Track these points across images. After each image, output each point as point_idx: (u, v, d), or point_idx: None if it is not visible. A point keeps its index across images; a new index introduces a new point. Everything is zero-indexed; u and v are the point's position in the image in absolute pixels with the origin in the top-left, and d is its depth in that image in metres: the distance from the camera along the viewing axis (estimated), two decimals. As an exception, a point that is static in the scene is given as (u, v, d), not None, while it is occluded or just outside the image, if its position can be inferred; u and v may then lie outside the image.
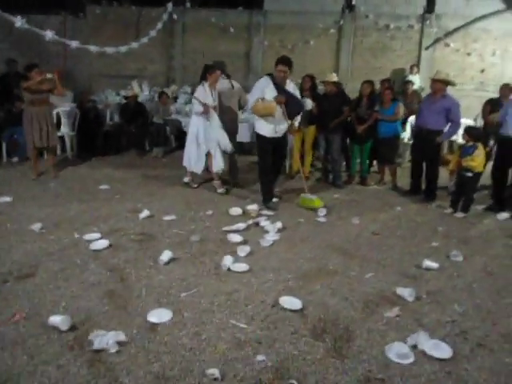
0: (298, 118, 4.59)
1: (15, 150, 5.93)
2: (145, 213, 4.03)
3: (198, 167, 4.94)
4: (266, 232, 3.74)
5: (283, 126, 4.36)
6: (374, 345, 2.22)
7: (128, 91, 7.47)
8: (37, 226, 3.62)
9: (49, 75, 4.61)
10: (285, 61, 4.19)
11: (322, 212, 4.32)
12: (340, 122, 5.49)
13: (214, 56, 8.76)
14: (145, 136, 7.10)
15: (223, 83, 5.11)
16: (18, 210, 4.07)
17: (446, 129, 4.82)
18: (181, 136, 6.90)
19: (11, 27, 5.63)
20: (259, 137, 4.39)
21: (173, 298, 2.59)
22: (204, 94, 4.73)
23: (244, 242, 3.49)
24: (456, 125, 4.71)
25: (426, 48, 8.55)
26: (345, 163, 6.22)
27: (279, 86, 4.21)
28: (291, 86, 4.39)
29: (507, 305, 2.71)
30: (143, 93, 7.93)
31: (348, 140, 6.02)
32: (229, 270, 2.98)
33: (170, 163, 6.36)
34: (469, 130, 4.47)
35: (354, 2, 8.60)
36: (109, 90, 8.16)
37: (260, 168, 4.52)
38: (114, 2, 8.64)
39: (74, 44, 5.09)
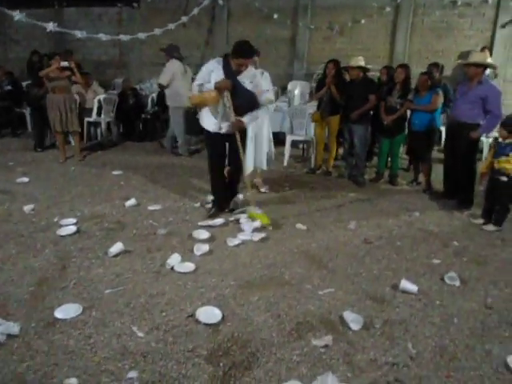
0: (249, 118, 3.57)
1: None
2: (131, 201, 4.02)
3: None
4: (241, 231, 3.49)
5: (231, 120, 3.48)
6: (271, 380, 1.89)
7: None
8: (29, 207, 3.81)
9: (63, 63, 4.81)
10: (245, 52, 3.32)
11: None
12: (363, 111, 4.90)
13: (259, 42, 8.50)
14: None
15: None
16: (25, 191, 4.35)
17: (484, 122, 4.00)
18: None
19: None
20: (204, 129, 3.69)
21: (95, 293, 2.50)
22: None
23: (209, 240, 3.29)
24: (495, 117, 3.86)
25: (503, 25, 7.24)
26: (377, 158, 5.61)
27: (230, 71, 3.39)
28: (250, 74, 3.48)
29: (482, 355, 2.12)
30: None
31: (376, 133, 5.41)
32: (172, 269, 2.82)
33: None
34: (507, 123, 3.62)
35: (415, -25, 7.61)
36: (154, 79, 8.37)
37: (210, 166, 3.80)
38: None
39: (79, 34, 5.19)
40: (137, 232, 3.42)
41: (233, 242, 3.26)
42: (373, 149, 6.02)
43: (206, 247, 3.11)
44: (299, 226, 3.71)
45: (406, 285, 2.69)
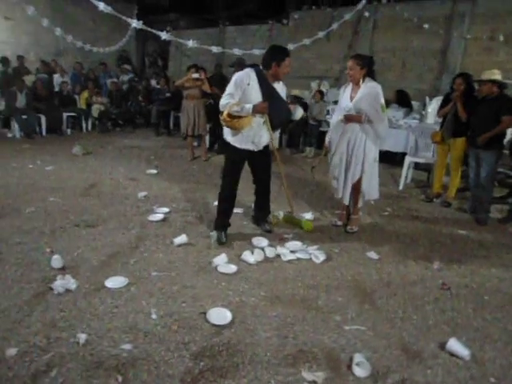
0: (277, 134, 3.43)
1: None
2: (143, 193, 4.56)
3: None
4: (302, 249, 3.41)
5: (264, 138, 3.30)
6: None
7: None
8: (142, 194, 4.53)
9: (194, 75, 5.53)
10: (286, 51, 3.15)
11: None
12: (493, 135, 4.10)
13: (405, 54, 8.00)
14: (299, 134, 7.33)
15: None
16: (149, 180, 5.18)
17: None
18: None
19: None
20: (227, 144, 3.32)
21: (144, 273, 2.86)
22: None
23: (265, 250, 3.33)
24: None
25: None
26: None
27: (267, 83, 3.13)
28: (280, 85, 3.31)
29: None
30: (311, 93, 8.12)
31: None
32: (216, 268, 2.98)
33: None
34: None
35: None
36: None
37: (223, 185, 3.42)
38: (314, 6, 9.07)
39: (236, 51, 5.88)
40: (209, 229, 3.72)
41: (287, 256, 3.22)
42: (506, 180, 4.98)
43: (258, 256, 3.16)
44: (371, 254, 3.39)
45: (455, 345, 2.20)
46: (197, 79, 5.62)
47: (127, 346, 2.10)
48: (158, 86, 8.87)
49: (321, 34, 7.45)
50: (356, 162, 3.59)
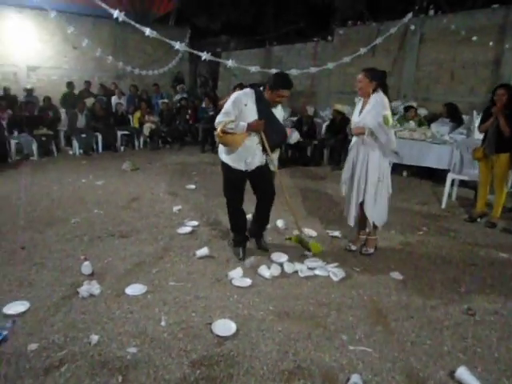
0: (276, 156, 3.43)
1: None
2: (177, 207, 4.75)
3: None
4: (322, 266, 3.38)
5: (257, 159, 3.24)
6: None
7: (338, 105, 7.80)
8: (176, 208, 4.75)
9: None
10: (289, 83, 3.10)
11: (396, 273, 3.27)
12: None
13: (454, 67, 7.67)
14: (340, 151, 7.25)
15: None
16: (186, 195, 5.43)
17: None
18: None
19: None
20: (222, 163, 3.33)
21: (163, 282, 3.01)
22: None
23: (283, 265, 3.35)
24: None
25: None
26: None
27: (265, 104, 3.13)
28: (279, 108, 3.31)
29: None
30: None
31: None
32: (231, 281, 3.06)
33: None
34: None
35: None
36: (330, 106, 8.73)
37: (227, 202, 3.45)
38: (359, 22, 9.02)
39: (230, 63, 6.13)
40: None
41: (304, 273, 3.21)
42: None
43: (275, 271, 3.19)
44: (395, 274, 3.28)
45: (465, 375, 2.07)
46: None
47: (133, 350, 2.24)
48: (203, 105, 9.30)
49: (362, 51, 7.40)
50: (359, 180, 3.43)
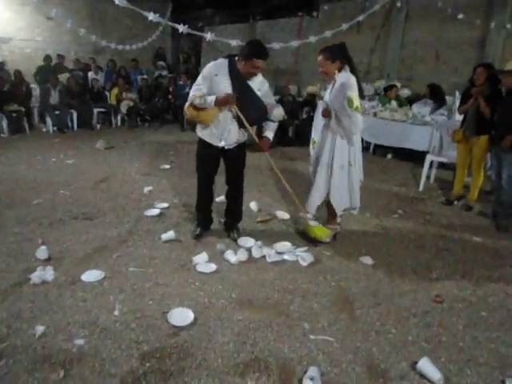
0: (271, 129, 3.10)
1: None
2: (148, 188, 4.63)
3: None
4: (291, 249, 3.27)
5: (233, 134, 3.03)
6: None
7: (312, 87, 7.61)
8: (148, 189, 4.58)
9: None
10: (264, 53, 2.80)
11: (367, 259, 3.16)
12: (516, 136, 3.70)
13: (439, 46, 7.48)
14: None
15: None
16: (159, 175, 5.24)
17: None
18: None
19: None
20: (199, 139, 3.15)
21: (122, 268, 2.86)
22: None
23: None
24: None
25: None
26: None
27: (239, 76, 2.87)
28: (258, 80, 2.99)
29: None
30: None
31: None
32: (195, 266, 2.93)
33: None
34: None
35: None
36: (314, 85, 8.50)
37: (197, 179, 3.29)
38: (344, -3, 8.73)
39: (209, 36, 5.92)
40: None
41: (272, 257, 3.10)
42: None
43: (242, 256, 3.07)
44: (365, 259, 3.19)
45: (427, 366, 1.99)
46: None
47: (80, 341, 2.10)
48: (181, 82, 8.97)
49: (344, 26, 7.13)
50: (321, 165, 3.22)
